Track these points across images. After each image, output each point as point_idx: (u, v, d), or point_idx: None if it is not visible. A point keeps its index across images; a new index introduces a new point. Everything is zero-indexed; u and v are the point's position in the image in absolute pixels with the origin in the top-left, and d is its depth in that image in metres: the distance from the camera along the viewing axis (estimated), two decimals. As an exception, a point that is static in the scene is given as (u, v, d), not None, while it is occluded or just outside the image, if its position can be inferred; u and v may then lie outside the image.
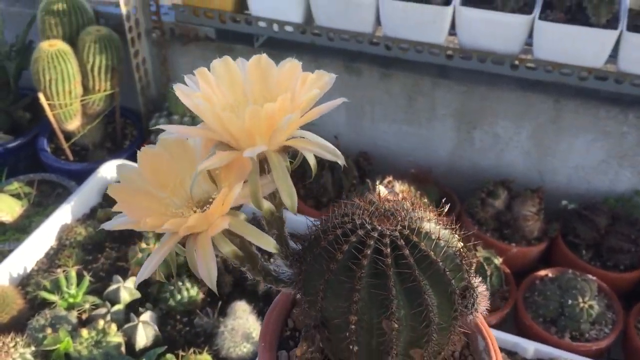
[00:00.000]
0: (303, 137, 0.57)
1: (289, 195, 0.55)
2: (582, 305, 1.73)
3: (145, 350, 1.50)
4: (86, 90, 2.17)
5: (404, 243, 0.54)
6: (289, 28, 2.07)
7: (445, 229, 0.58)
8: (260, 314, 1.57)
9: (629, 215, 1.97)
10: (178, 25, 2.23)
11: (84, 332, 1.44)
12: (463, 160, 2.18)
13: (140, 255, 1.64)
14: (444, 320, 0.56)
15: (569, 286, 1.78)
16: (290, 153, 0.58)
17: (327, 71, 0.58)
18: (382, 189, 0.62)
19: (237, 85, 0.58)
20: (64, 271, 1.63)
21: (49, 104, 2.09)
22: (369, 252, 0.54)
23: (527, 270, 1.94)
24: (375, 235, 0.55)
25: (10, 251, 1.71)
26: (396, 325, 0.53)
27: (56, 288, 1.59)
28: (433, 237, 0.56)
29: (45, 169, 2.25)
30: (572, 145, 2.00)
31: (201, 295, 1.62)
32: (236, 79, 0.58)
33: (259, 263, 0.62)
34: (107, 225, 0.56)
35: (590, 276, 1.82)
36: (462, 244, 0.58)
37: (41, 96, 2.06)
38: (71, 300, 1.58)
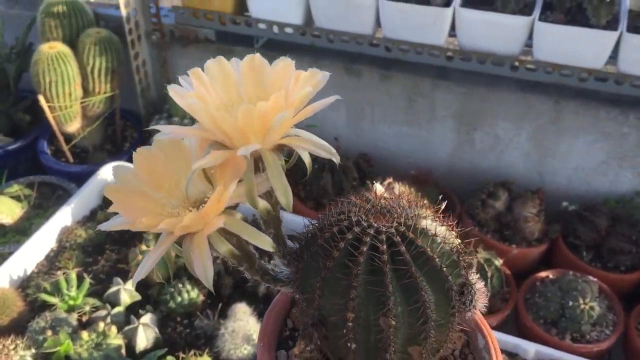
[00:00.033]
0: (297, 136, 0.57)
1: (284, 193, 0.55)
2: (582, 306, 1.73)
3: (145, 352, 1.49)
4: (86, 92, 2.17)
5: (400, 240, 0.54)
6: (288, 30, 2.07)
7: (442, 225, 0.58)
8: (261, 315, 1.57)
9: (629, 216, 1.97)
10: (178, 27, 2.23)
11: (84, 334, 1.44)
12: (463, 161, 2.18)
13: (140, 257, 1.64)
14: (441, 316, 0.56)
15: (569, 287, 1.77)
16: (285, 152, 0.58)
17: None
18: (378, 187, 0.62)
19: (231, 85, 0.58)
20: (64, 273, 1.62)
21: (49, 106, 2.09)
22: (365, 249, 0.54)
23: (527, 271, 1.94)
24: (372, 232, 0.55)
25: (11, 253, 1.71)
26: (393, 322, 0.53)
27: (56, 290, 1.59)
28: (430, 233, 0.56)
29: (45, 171, 2.25)
30: (572, 146, 2.00)
31: (201, 297, 1.62)
32: (230, 79, 0.58)
33: (257, 262, 0.62)
34: (104, 226, 0.56)
35: (590, 277, 1.82)
36: (459, 241, 0.58)
37: (41, 98, 2.06)
38: (71, 302, 1.58)
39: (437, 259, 0.55)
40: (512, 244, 1.96)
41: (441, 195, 0.65)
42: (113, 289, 1.60)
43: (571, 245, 1.98)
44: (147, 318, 1.54)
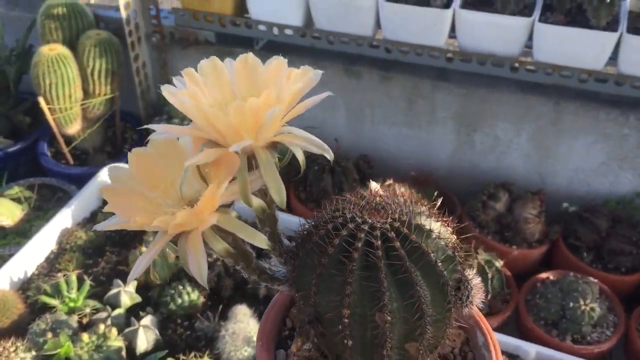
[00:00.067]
0: (290, 133, 0.57)
1: (277, 191, 0.55)
2: (583, 307, 1.73)
3: (146, 354, 1.49)
4: (86, 94, 2.17)
5: (394, 235, 0.54)
6: (288, 31, 2.07)
7: (438, 221, 0.58)
8: (261, 317, 1.56)
9: (629, 217, 1.97)
10: (178, 29, 2.23)
11: (85, 336, 1.44)
12: (463, 162, 2.18)
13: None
14: (437, 312, 0.56)
15: (570, 289, 1.77)
16: (279, 149, 0.58)
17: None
18: (374, 185, 0.62)
19: (224, 84, 0.58)
20: (64, 275, 1.62)
21: (49, 108, 2.09)
22: (359, 244, 0.54)
23: (528, 272, 1.94)
24: (366, 228, 0.55)
25: (11, 255, 1.71)
26: (389, 318, 0.53)
27: (57, 292, 1.59)
28: (424, 229, 0.56)
29: (45, 173, 2.25)
30: (572, 147, 2.00)
31: (202, 299, 1.62)
32: (224, 79, 0.59)
33: (253, 261, 0.62)
34: (99, 227, 0.57)
35: (591, 279, 1.82)
36: (455, 237, 0.58)
37: (41, 100, 2.06)
38: (72, 304, 1.58)
39: (432, 254, 0.55)
40: (513, 245, 1.96)
41: (436, 192, 0.65)
42: (113, 291, 1.60)
43: (572, 247, 1.98)
44: (147, 320, 1.54)
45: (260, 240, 0.56)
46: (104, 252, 1.79)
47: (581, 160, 2.01)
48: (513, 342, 1.57)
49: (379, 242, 0.54)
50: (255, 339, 1.46)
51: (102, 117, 2.28)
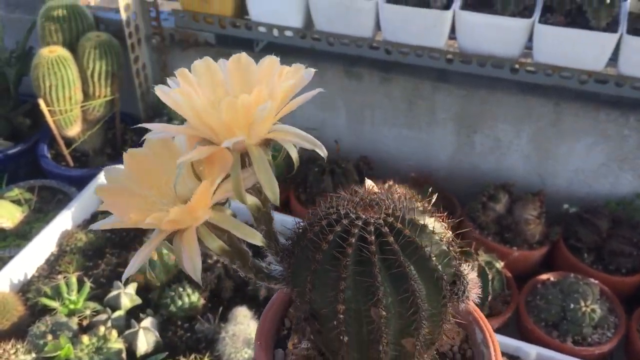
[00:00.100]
0: (283, 130, 0.58)
1: (271, 188, 0.56)
2: (584, 309, 1.73)
3: (146, 356, 1.49)
4: (86, 96, 2.17)
5: (388, 230, 0.54)
6: (289, 33, 2.07)
7: (432, 217, 0.58)
8: (262, 319, 1.56)
9: (630, 218, 1.97)
10: (178, 31, 2.24)
11: (85, 338, 1.43)
12: (463, 164, 2.18)
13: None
14: (432, 306, 0.56)
15: (570, 290, 1.77)
16: (272, 146, 0.59)
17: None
18: (369, 182, 0.62)
19: (218, 84, 0.59)
20: (64, 277, 1.62)
21: (49, 110, 2.09)
22: (353, 240, 0.54)
23: (528, 274, 1.94)
24: (360, 223, 0.55)
25: (11, 257, 1.71)
26: (384, 313, 0.53)
27: (57, 294, 1.59)
28: (419, 224, 0.56)
29: (45, 175, 2.25)
30: (572, 148, 2.00)
31: (202, 301, 1.62)
32: (217, 79, 0.59)
33: (250, 260, 0.62)
34: (95, 226, 0.57)
35: (592, 280, 1.82)
36: (450, 233, 0.58)
37: (41, 102, 2.06)
38: (72, 306, 1.58)
39: (426, 248, 0.55)
40: (513, 247, 1.96)
41: (430, 188, 0.65)
42: (113, 292, 1.60)
43: (572, 248, 1.98)
44: (147, 322, 1.53)
45: (255, 238, 0.56)
46: (104, 254, 1.79)
47: (581, 161, 2.01)
48: (514, 343, 1.57)
49: (373, 238, 0.54)
50: (255, 340, 1.46)
51: (102, 119, 2.28)
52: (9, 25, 2.44)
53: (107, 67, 2.13)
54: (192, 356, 1.46)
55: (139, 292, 1.64)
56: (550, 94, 1.94)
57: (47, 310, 1.57)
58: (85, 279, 1.65)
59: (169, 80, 0.58)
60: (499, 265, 1.78)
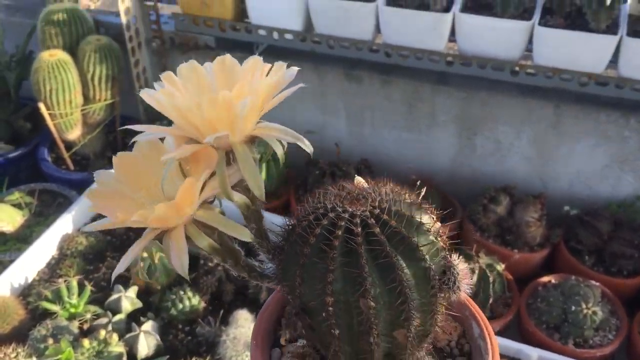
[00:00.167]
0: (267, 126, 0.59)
1: (256, 184, 0.57)
2: (585, 311, 1.72)
3: (147, 360, 1.49)
4: (86, 99, 2.18)
5: (374, 222, 0.55)
6: (288, 36, 2.08)
7: (419, 208, 0.58)
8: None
9: (631, 220, 1.97)
10: (178, 34, 2.24)
11: (86, 342, 1.43)
12: (464, 166, 2.18)
13: (142, 264, 1.64)
14: (422, 296, 0.56)
15: (572, 292, 1.77)
16: (256, 142, 0.60)
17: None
18: (358, 178, 0.63)
19: (203, 86, 0.60)
20: (65, 281, 1.62)
21: (50, 114, 2.09)
22: (340, 232, 0.55)
23: (529, 276, 1.93)
24: (346, 216, 0.56)
25: (12, 261, 1.71)
26: (372, 304, 0.54)
27: (57, 298, 1.59)
28: (406, 215, 0.56)
29: (46, 179, 2.25)
30: (573, 150, 2.00)
31: (203, 304, 1.62)
32: (203, 81, 0.60)
33: (242, 259, 0.63)
34: (88, 228, 0.58)
35: (593, 282, 1.82)
36: (439, 224, 0.59)
37: (42, 106, 2.06)
38: (72, 310, 1.58)
39: (413, 239, 0.55)
40: (514, 249, 1.96)
41: (419, 182, 0.66)
42: (114, 296, 1.60)
43: (573, 250, 1.97)
44: (148, 325, 1.53)
45: (243, 234, 0.57)
46: (104, 258, 1.79)
47: (582, 163, 2.01)
48: (515, 346, 1.57)
49: (359, 229, 0.54)
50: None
51: (103, 123, 2.28)
52: (9, 29, 2.44)
53: (107, 71, 2.14)
54: (193, 359, 1.46)
55: (139, 295, 1.64)
56: (550, 96, 1.94)
57: (48, 314, 1.57)
58: (86, 283, 1.65)
59: (155, 84, 0.59)
60: (500, 267, 1.78)
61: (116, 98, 2.23)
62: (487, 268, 1.74)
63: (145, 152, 0.60)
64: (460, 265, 0.58)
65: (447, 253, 0.58)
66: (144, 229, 0.57)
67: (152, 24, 2.24)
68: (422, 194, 0.61)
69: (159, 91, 0.56)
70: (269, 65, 0.58)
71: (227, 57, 0.60)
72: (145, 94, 0.57)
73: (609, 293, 1.83)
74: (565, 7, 1.83)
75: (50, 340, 1.44)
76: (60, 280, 1.64)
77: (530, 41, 1.85)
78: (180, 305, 1.59)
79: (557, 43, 1.79)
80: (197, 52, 2.24)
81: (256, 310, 1.59)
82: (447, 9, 1.87)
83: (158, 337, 1.52)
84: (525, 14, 1.85)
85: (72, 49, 2.13)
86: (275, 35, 2.09)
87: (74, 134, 2.22)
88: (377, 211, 0.56)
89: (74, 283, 1.61)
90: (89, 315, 1.57)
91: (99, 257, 1.80)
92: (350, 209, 0.56)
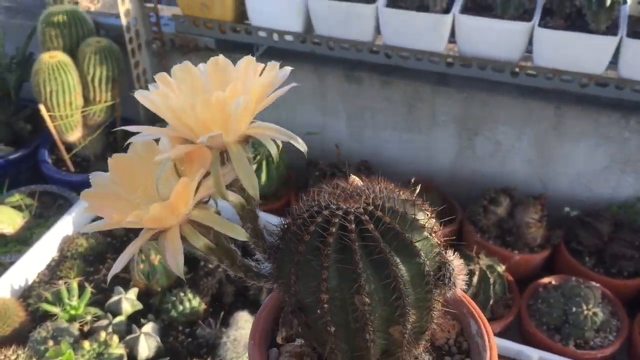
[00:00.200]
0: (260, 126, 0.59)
1: (250, 183, 0.57)
2: (586, 312, 1.72)
3: (147, 361, 1.49)
4: (87, 101, 2.18)
5: (368, 218, 0.55)
6: (289, 37, 2.08)
7: (414, 205, 0.58)
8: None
9: (631, 221, 1.97)
10: (178, 36, 2.24)
11: (86, 344, 1.43)
12: (464, 167, 2.18)
13: (142, 266, 1.64)
14: (417, 292, 0.56)
15: (572, 293, 1.77)
16: (250, 142, 0.60)
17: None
18: (353, 177, 0.63)
19: (198, 87, 0.60)
20: (65, 283, 1.62)
21: (50, 116, 2.09)
22: (334, 229, 0.55)
23: (530, 277, 1.93)
24: (340, 213, 0.56)
25: (12, 263, 1.71)
26: (367, 300, 0.54)
27: (58, 300, 1.59)
28: (399, 211, 0.56)
29: (46, 181, 2.25)
30: (573, 151, 1.99)
31: (203, 306, 1.62)
32: (197, 82, 0.60)
33: (238, 259, 0.63)
34: (85, 228, 0.58)
35: (593, 283, 1.82)
36: (434, 220, 0.59)
37: (42, 108, 2.06)
38: (73, 312, 1.58)
39: (407, 235, 0.55)
40: (515, 250, 1.96)
41: (413, 179, 0.66)
42: (114, 298, 1.60)
43: (574, 251, 1.97)
44: (148, 327, 1.53)
45: (239, 233, 0.57)
46: (105, 259, 1.79)
47: (582, 164, 2.01)
48: (515, 347, 1.57)
49: (353, 226, 0.55)
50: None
51: (103, 124, 2.28)
52: (9, 31, 2.44)
53: (107, 73, 2.14)
54: (194, 361, 1.46)
55: (140, 297, 1.64)
56: (551, 97, 1.94)
57: (48, 316, 1.57)
58: (86, 284, 1.64)
59: (149, 85, 0.59)
60: (501, 268, 1.78)
61: (116, 100, 2.23)
62: (488, 269, 1.74)
63: (140, 153, 0.60)
64: (455, 261, 0.58)
65: (443, 249, 0.58)
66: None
67: (153, 26, 2.25)
68: (417, 191, 0.61)
69: (153, 92, 0.56)
70: (262, 65, 0.59)
71: (221, 58, 0.61)
72: (140, 95, 0.57)
73: (609, 294, 1.83)
74: (565, 8, 1.83)
75: (51, 342, 1.44)
76: (60, 282, 1.64)
77: (530, 42, 1.85)
78: (181, 307, 1.59)
79: (557, 44, 1.79)
80: (197, 54, 2.24)
81: (257, 311, 1.59)
82: (447, 10, 1.87)
83: (158, 339, 1.52)
84: (525, 15, 1.85)
85: (73, 51, 2.14)
86: (276, 36, 2.09)
87: (75, 135, 2.22)
88: (370, 208, 0.56)
89: (74, 285, 1.61)
90: (89, 317, 1.57)
91: (99, 258, 1.80)
92: (344, 206, 0.56)
